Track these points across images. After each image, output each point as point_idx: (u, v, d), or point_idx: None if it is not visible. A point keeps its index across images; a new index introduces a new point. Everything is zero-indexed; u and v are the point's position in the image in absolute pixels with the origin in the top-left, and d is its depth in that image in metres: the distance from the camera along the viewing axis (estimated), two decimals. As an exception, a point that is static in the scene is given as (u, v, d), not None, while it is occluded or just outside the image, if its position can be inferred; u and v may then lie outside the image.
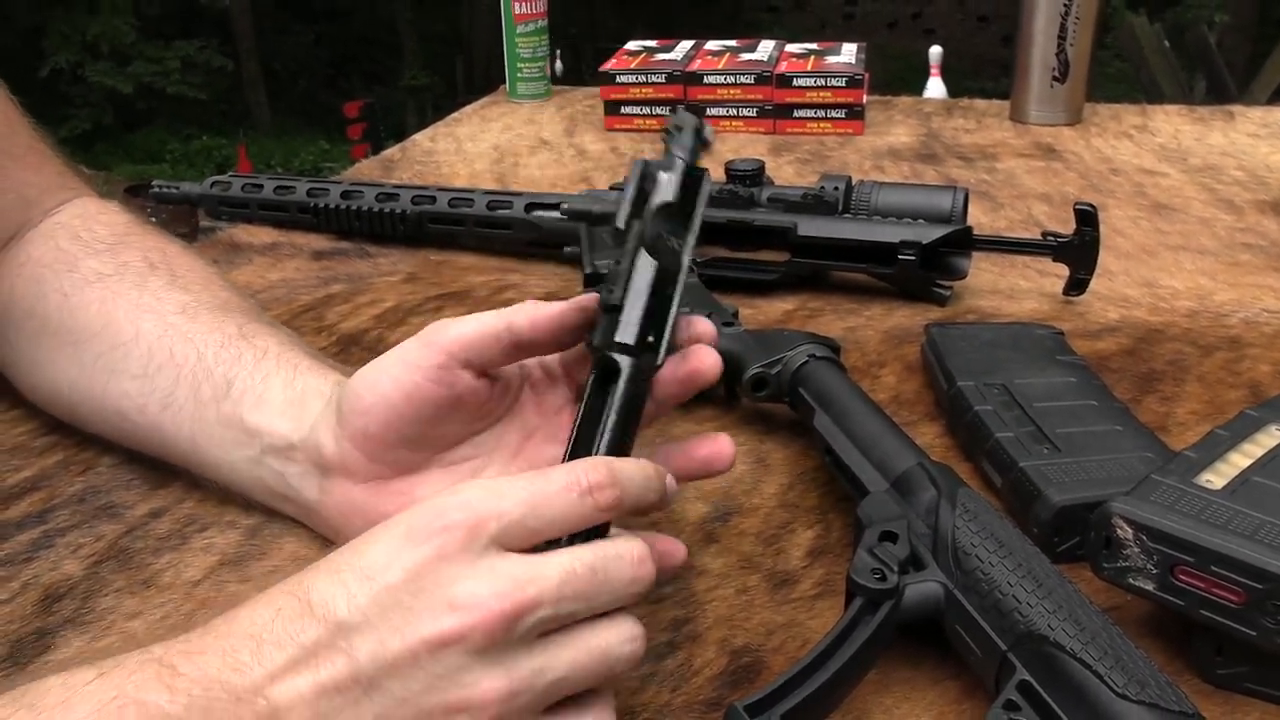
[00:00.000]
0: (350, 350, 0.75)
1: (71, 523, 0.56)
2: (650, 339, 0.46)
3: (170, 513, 0.57)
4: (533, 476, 0.40)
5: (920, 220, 0.80)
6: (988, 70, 8.16)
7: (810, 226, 0.82)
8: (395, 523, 0.39)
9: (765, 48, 1.41)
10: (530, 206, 0.90)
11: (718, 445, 0.49)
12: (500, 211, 0.91)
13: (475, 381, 0.50)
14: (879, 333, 0.76)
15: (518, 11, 1.43)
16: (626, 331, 0.45)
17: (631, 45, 1.46)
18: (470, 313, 0.78)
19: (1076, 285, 0.80)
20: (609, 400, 0.44)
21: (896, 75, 6.15)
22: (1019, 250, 0.82)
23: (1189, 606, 0.43)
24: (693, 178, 0.49)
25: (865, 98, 1.30)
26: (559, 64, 5.09)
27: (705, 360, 0.48)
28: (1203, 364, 0.70)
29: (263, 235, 0.98)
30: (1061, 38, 1.25)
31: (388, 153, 1.30)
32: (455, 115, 1.46)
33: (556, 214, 0.89)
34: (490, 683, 0.37)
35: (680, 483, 0.47)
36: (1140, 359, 0.71)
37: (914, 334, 0.75)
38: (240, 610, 0.39)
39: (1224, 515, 0.44)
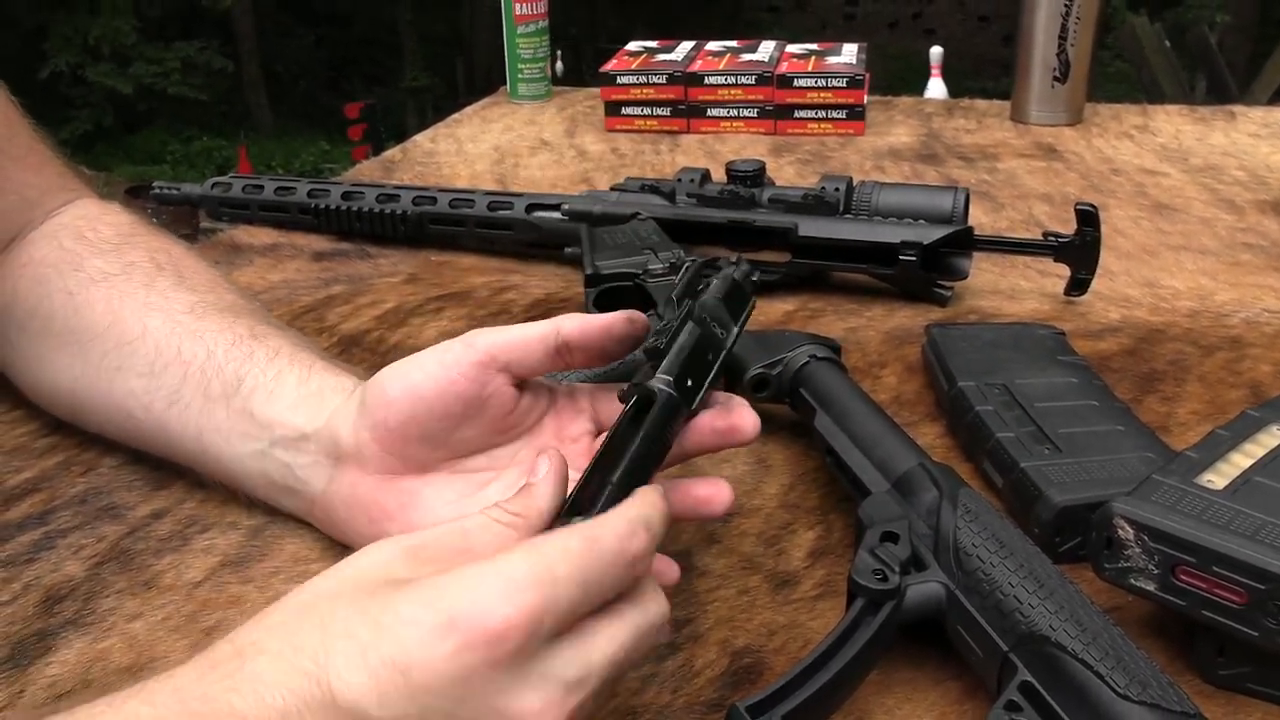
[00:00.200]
0: (351, 351, 0.75)
1: (73, 524, 0.56)
2: (689, 384, 0.47)
3: (172, 514, 0.57)
4: (581, 545, 0.37)
5: (921, 221, 0.80)
6: (988, 70, 8.16)
7: (811, 227, 0.82)
8: (430, 599, 0.35)
9: (766, 48, 1.41)
10: (531, 207, 0.90)
11: (716, 488, 0.49)
12: (501, 212, 0.91)
13: (508, 387, 0.51)
14: (880, 333, 0.76)
15: (518, 12, 1.43)
16: (668, 369, 0.47)
17: (632, 46, 1.46)
18: (471, 313, 0.80)
19: (1078, 285, 0.80)
20: (639, 428, 0.45)
21: (897, 75, 6.15)
22: (1020, 250, 0.82)
23: (1190, 607, 0.43)
24: (741, 290, 0.56)
25: (866, 98, 1.30)
26: (559, 65, 5.09)
27: (746, 420, 0.49)
28: (1204, 364, 0.70)
29: (263, 236, 0.98)
30: (1062, 38, 1.25)
31: (388, 154, 1.30)
32: (456, 116, 1.46)
33: (557, 215, 0.89)
34: None
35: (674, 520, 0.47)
36: (1141, 359, 0.71)
37: (915, 334, 0.75)
38: (244, 680, 0.34)
39: (1225, 515, 0.44)
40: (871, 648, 0.43)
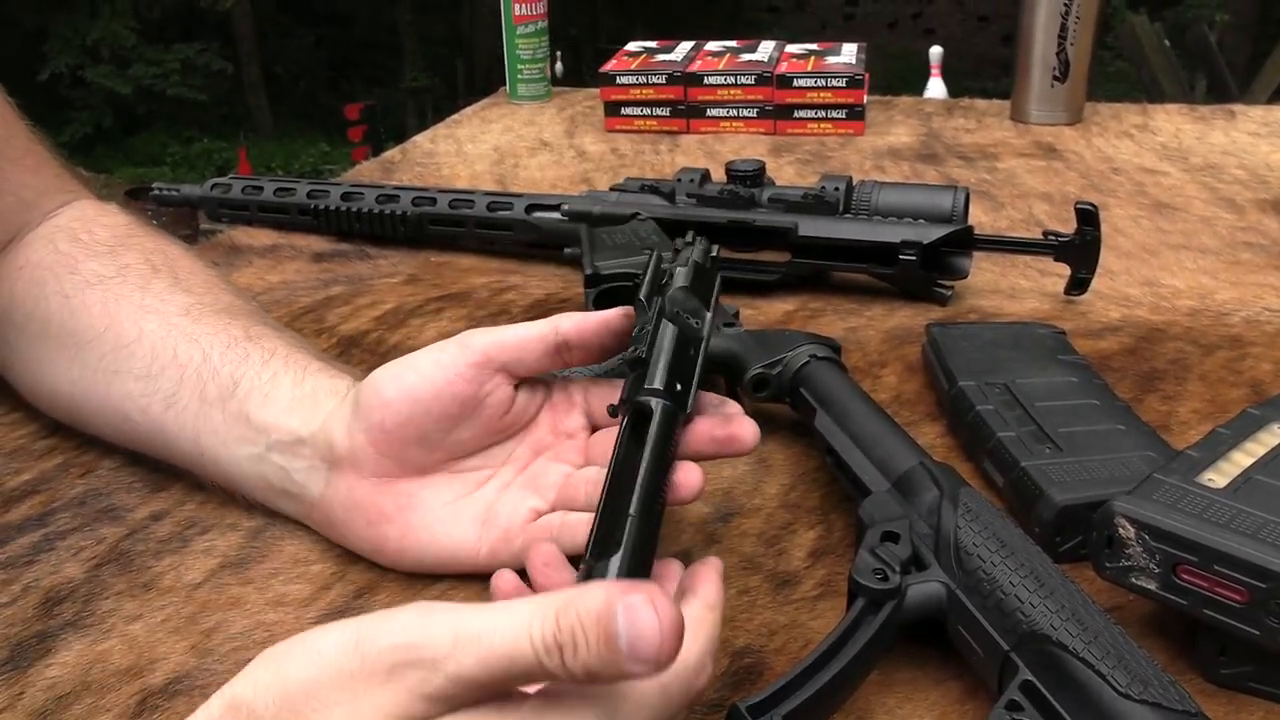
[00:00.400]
0: (351, 352, 0.75)
1: (72, 525, 0.56)
2: (679, 388, 0.47)
3: (171, 515, 0.57)
4: (662, 680, 0.35)
5: (921, 220, 0.80)
6: (988, 70, 8.17)
7: (811, 227, 0.82)
8: None
9: (765, 48, 1.41)
10: (531, 208, 0.90)
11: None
12: (501, 213, 0.91)
13: (505, 387, 0.51)
14: (880, 333, 0.76)
15: (518, 13, 1.43)
16: (655, 378, 0.47)
17: (632, 46, 1.46)
18: (470, 314, 0.80)
19: (1078, 285, 0.80)
20: (643, 446, 0.44)
21: (897, 75, 6.15)
22: (1020, 250, 0.82)
23: (1192, 606, 0.43)
24: (704, 270, 0.55)
25: (865, 98, 1.30)
26: (559, 65, 5.09)
27: (746, 430, 0.49)
28: (1204, 363, 0.70)
29: (263, 237, 0.98)
30: (1062, 37, 1.24)
31: (388, 154, 1.30)
32: (455, 117, 1.46)
33: (557, 215, 0.89)
34: None
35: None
36: (1142, 358, 0.71)
37: (915, 334, 0.74)
38: None
39: (1227, 514, 0.43)
40: (872, 647, 0.42)
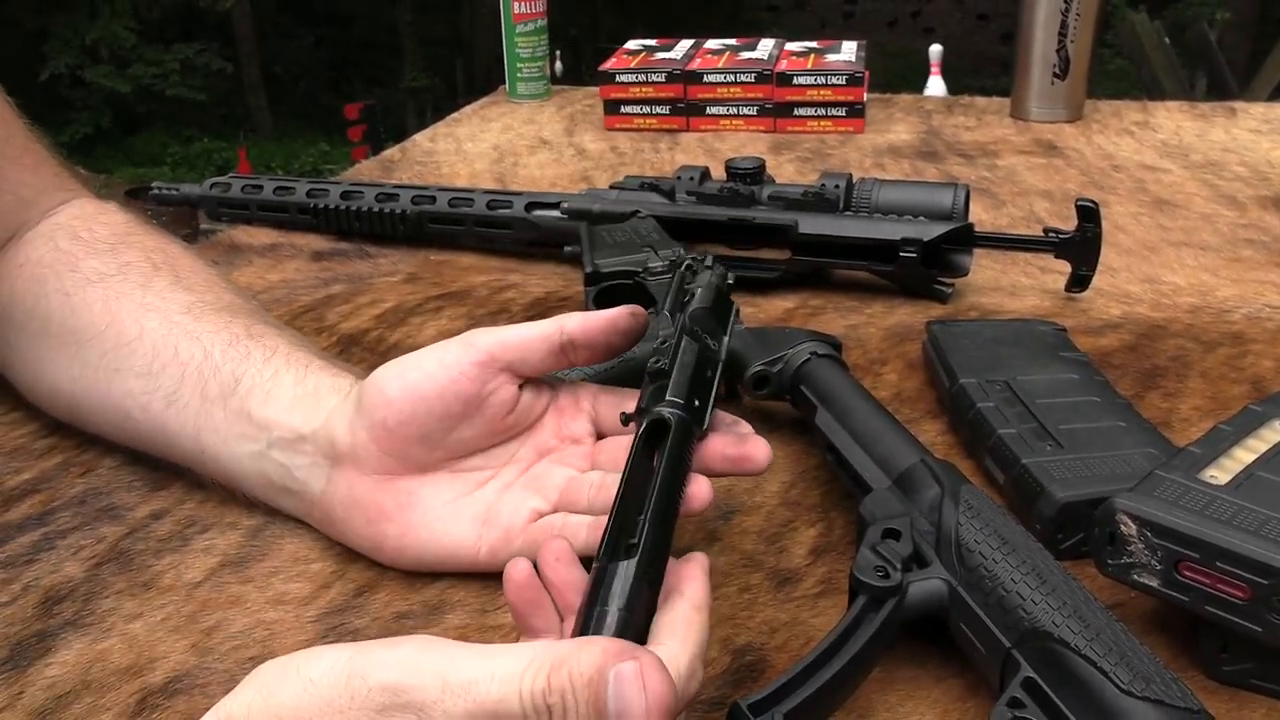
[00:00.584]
0: (351, 350, 0.75)
1: (72, 525, 0.56)
2: (696, 404, 0.47)
3: (171, 514, 0.57)
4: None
5: (921, 218, 0.80)
6: (988, 68, 8.17)
7: (811, 224, 0.82)
8: None
9: (765, 46, 1.41)
10: (530, 206, 0.90)
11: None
12: (500, 211, 0.91)
13: (509, 387, 0.50)
14: (880, 330, 0.76)
15: (517, 11, 1.43)
16: (676, 391, 0.47)
17: (631, 44, 1.46)
18: (470, 312, 0.80)
19: (1078, 282, 0.80)
20: (658, 459, 0.44)
21: (897, 74, 6.15)
22: (1021, 247, 0.82)
23: (1194, 602, 0.43)
24: (723, 296, 0.57)
25: (865, 95, 1.30)
26: (558, 64, 5.09)
27: (759, 451, 0.49)
28: (1205, 360, 0.70)
29: (262, 236, 0.98)
30: (1062, 34, 1.24)
31: (387, 153, 1.30)
32: (455, 115, 1.46)
33: (557, 213, 0.89)
34: None
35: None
36: (1143, 355, 0.71)
37: (916, 331, 0.74)
38: None
39: (1229, 511, 0.43)
40: (873, 645, 0.42)
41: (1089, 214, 0.77)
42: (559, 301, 0.82)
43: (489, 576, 0.50)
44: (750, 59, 1.34)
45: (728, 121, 1.32)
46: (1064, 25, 1.24)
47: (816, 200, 0.83)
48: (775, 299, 0.82)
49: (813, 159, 1.20)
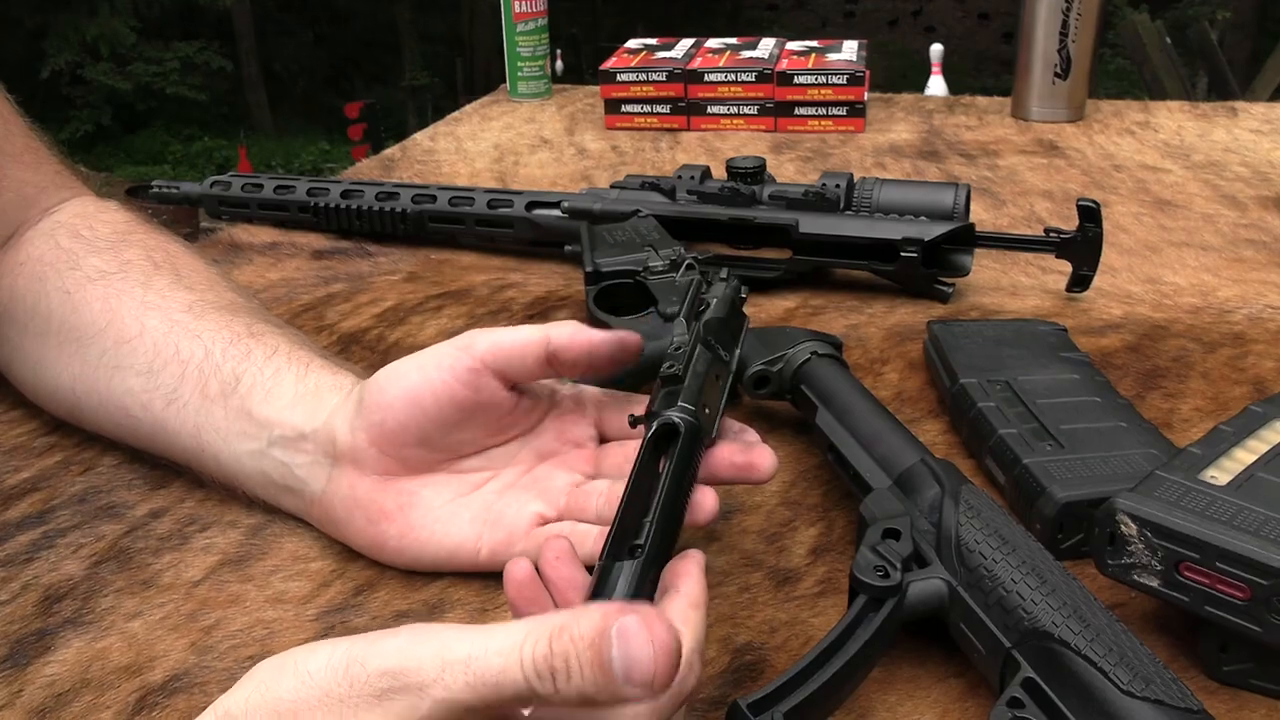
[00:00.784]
0: (351, 349, 0.75)
1: (72, 523, 0.56)
2: (706, 411, 0.47)
3: (171, 512, 0.57)
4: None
5: (922, 217, 0.80)
6: (989, 67, 8.17)
7: (812, 224, 0.82)
8: None
9: (766, 45, 1.41)
10: (531, 205, 0.90)
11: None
12: (501, 210, 0.91)
13: (503, 392, 0.50)
14: (881, 330, 0.76)
15: (517, 10, 1.43)
16: (687, 398, 0.47)
17: (632, 43, 1.46)
18: (471, 311, 0.80)
19: (1079, 282, 0.80)
20: (665, 463, 0.44)
21: (898, 74, 6.15)
22: (1022, 247, 0.82)
23: (1194, 603, 0.43)
24: (736, 309, 0.57)
25: (866, 95, 1.29)
26: (559, 63, 5.09)
27: (765, 460, 0.49)
28: (1206, 360, 0.70)
29: (263, 235, 0.98)
30: (1063, 34, 1.24)
31: (388, 152, 1.30)
32: (455, 114, 1.46)
33: (557, 212, 0.89)
34: None
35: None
36: (1144, 355, 0.71)
37: (916, 331, 0.74)
38: None
39: (1229, 511, 0.43)
40: (873, 645, 0.42)
41: (1090, 214, 0.77)
42: (560, 300, 0.82)
43: (489, 576, 0.50)
44: (751, 58, 1.34)
45: (728, 121, 1.32)
46: (1065, 25, 1.24)
47: (817, 200, 0.82)
48: (776, 298, 0.82)
49: (813, 158, 1.20)
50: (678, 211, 0.85)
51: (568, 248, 0.87)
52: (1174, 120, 1.30)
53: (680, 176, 0.87)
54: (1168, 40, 5.26)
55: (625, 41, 1.48)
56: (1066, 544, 0.52)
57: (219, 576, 0.52)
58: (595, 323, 0.72)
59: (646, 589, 0.38)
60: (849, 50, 1.37)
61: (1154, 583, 0.44)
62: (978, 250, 0.82)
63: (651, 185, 0.88)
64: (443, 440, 0.51)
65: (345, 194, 0.96)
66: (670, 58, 1.37)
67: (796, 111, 1.29)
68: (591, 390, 0.55)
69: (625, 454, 0.52)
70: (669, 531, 0.41)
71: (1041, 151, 1.19)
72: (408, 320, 0.79)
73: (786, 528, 0.55)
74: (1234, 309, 0.78)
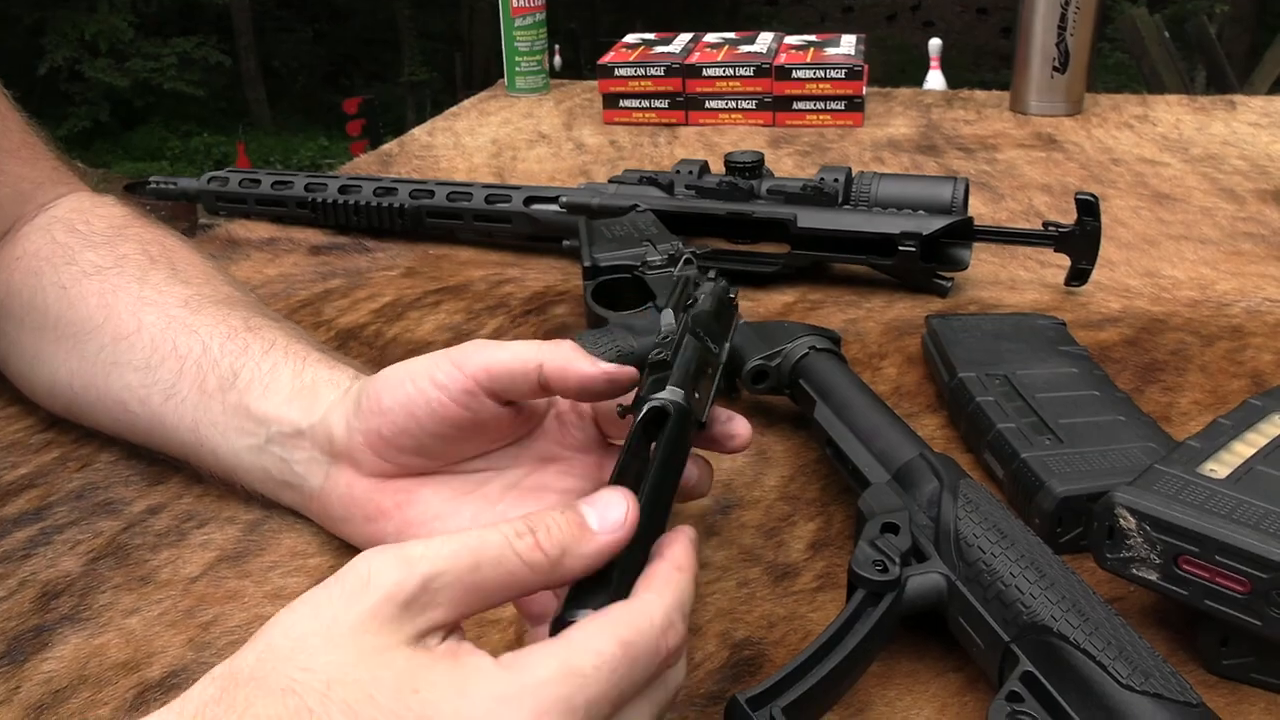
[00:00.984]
0: (349, 345, 0.75)
1: (69, 519, 0.56)
2: (696, 397, 0.47)
3: (168, 509, 0.57)
4: (616, 654, 0.34)
5: (920, 211, 0.80)
6: (987, 62, 8.16)
7: (810, 218, 0.82)
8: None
9: (764, 40, 1.41)
10: (529, 200, 0.90)
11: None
12: (499, 205, 0.91)
13: (499, 409, 0.49)
14: (880, 324, 0.76)
15: (515, 5, 1.43)
16: (678, 381, 0.46)
17: (630, 38, 1.46)
18: (469, 306, 0.80)
19: (1078, 275, 0.79)
20: (655, 447, 0.44)
21: (896, 68, 6.14)
22: (1020, 241, 0.82)
23: (1193, 597, 0.43)
24: (725, 305, 0.57)
25: (865, 89, 1.29)
26: (557, 58, 5.08)
27: (740, 430, 0.50)
28: (1205, 353, 0.70)
29: (260, 230, 0.98)
30: (1062, 28, 1.24)
31: (386, 147, 1.30)
32: (453, 109, 1.45)
33: (555, 207, 0.88)
34: None
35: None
36: (1142, 349, 0.71)
37: (915, 325, 0.74)
38: None
39: (1228, 504, 0.43)
40: (872, 639, 0.42)
41: (1088, 208, 0.77)
42: (558, 295, 0.82)
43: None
44: (749, 53, 1.34)
45: (727, 115, 1.31)
46: (1063, 19, 1.24)
47: (815, 194, 0.82)
48: (774, 293, 0.82)
49: (812, 153, 1.19)
50: (676, 206, 0.85)
51: (566, 243, 0.87)
52: (1172, 114, 1.30)
53: (678, 171, 0.87)
54: (1166, 34, 5.26)
55: (623, 36, 1.48)
56: (1065, 538, 0.52)
57: (217, 572, 0.52)
58: (593, 317, 0.72)
59: (633, 570, 0.38)
60: (847, 45, 1.37)
61: (1153, 576, 0.44)
62: (976, 244, 0.82)
63: (649, 180, 0.88)
64: (440, 450, 0.50)
65: (343, 189, 0.96)
66: (668, 52, 1.37)
67: (795, 106, 1.29)
68: None
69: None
70: (658, 512, 0.41)
71: (1040, 145, 1.19)
72: (406, 315, 0.79)
73: (785, 522, 0.55)
74: (1232, 302, 0.78)
